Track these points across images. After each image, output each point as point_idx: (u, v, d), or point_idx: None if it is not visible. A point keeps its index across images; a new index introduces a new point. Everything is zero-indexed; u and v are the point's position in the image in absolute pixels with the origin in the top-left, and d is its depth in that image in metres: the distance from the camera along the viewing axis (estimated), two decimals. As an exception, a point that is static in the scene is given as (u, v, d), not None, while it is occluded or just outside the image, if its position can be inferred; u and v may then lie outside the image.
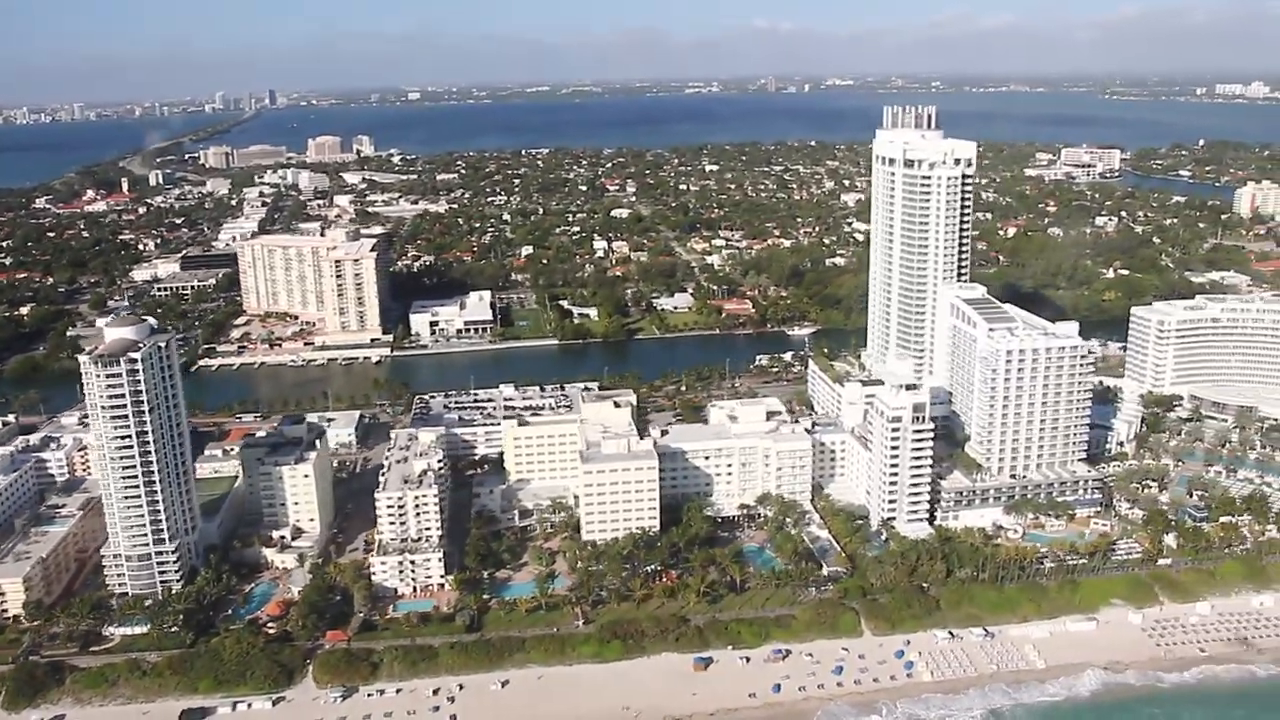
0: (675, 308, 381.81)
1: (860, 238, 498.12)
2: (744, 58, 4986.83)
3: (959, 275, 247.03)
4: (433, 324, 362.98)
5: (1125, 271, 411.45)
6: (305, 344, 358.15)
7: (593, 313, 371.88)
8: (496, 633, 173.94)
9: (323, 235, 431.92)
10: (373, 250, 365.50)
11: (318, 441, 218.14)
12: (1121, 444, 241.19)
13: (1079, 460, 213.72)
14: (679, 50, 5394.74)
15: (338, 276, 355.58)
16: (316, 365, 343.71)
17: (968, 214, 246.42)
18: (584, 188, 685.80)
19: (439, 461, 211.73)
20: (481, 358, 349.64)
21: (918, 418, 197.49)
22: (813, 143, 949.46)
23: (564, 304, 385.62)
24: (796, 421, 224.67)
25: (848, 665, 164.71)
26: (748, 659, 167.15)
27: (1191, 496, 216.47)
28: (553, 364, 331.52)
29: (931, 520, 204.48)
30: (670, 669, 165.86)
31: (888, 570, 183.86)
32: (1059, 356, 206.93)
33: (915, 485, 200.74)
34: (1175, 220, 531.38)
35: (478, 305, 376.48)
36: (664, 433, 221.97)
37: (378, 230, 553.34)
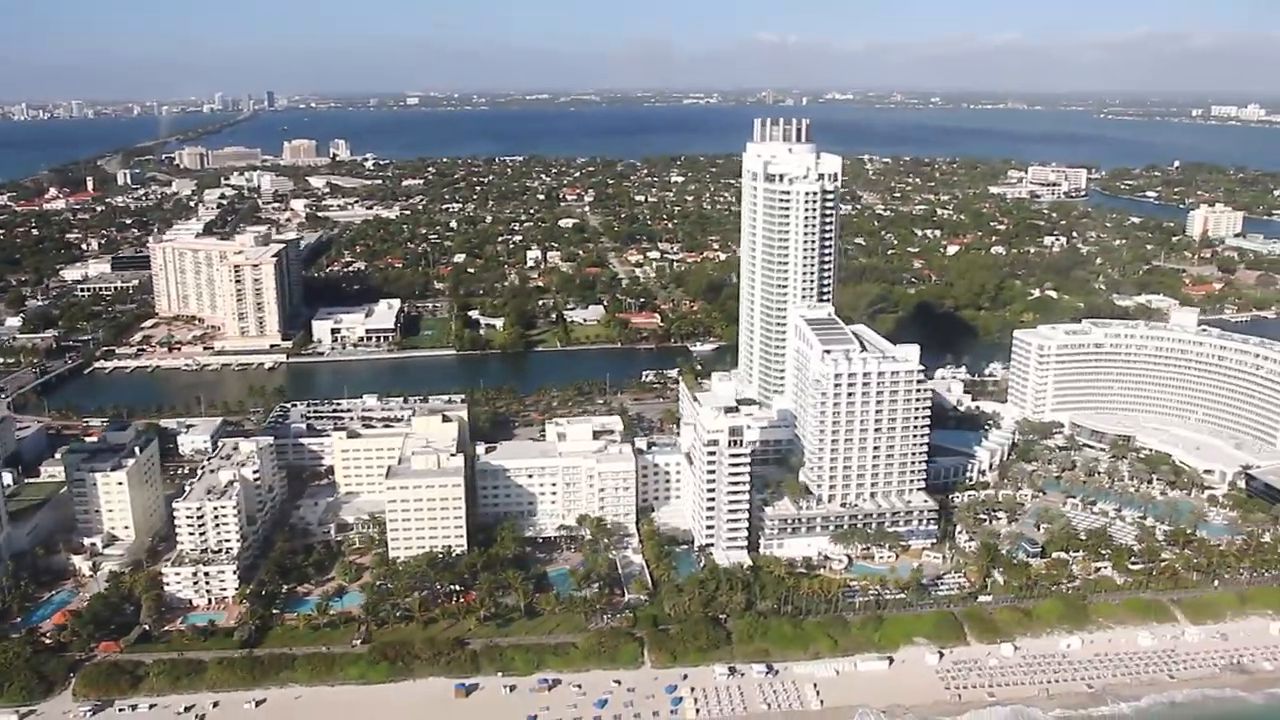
0: (585, 320, 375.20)
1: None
2: (750, 71, 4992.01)
3: (820, 294, 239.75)
4: (334, 331, 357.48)
5: (1053, 293, 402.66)
6: (205, 349, 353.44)
7: (499, 323, 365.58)
8: (269, 650, 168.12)
9: (266, 238, 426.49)
10: (274, 256, 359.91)
11: (139, 449, 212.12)
12: (984, 472, 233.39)
13: (917, 489, 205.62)
14: (685, 62, 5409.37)
15: (236, 281, 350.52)
16: (210, 370, 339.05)
17: (830, 230, 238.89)
18: (542, 197, 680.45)
19: (254, 472, 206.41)
20: (379, 366, 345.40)
21: (734, 441, 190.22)
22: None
23: (474, 314, 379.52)
24: (629, 441, 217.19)
25: (613, 699, 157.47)
26: (513, 687, 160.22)
27: (1039, 530, 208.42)
28: (447, 374, 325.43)
29: (755, 548, 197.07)
30: (432, 694, 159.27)
31: (683, 600, 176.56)
32: (893, 381, 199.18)
33: (733, 511, 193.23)
34: (1124, 241, 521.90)
35: (384, 313, 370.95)
36: (490, 449, 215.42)
37: (320, 234, 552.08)
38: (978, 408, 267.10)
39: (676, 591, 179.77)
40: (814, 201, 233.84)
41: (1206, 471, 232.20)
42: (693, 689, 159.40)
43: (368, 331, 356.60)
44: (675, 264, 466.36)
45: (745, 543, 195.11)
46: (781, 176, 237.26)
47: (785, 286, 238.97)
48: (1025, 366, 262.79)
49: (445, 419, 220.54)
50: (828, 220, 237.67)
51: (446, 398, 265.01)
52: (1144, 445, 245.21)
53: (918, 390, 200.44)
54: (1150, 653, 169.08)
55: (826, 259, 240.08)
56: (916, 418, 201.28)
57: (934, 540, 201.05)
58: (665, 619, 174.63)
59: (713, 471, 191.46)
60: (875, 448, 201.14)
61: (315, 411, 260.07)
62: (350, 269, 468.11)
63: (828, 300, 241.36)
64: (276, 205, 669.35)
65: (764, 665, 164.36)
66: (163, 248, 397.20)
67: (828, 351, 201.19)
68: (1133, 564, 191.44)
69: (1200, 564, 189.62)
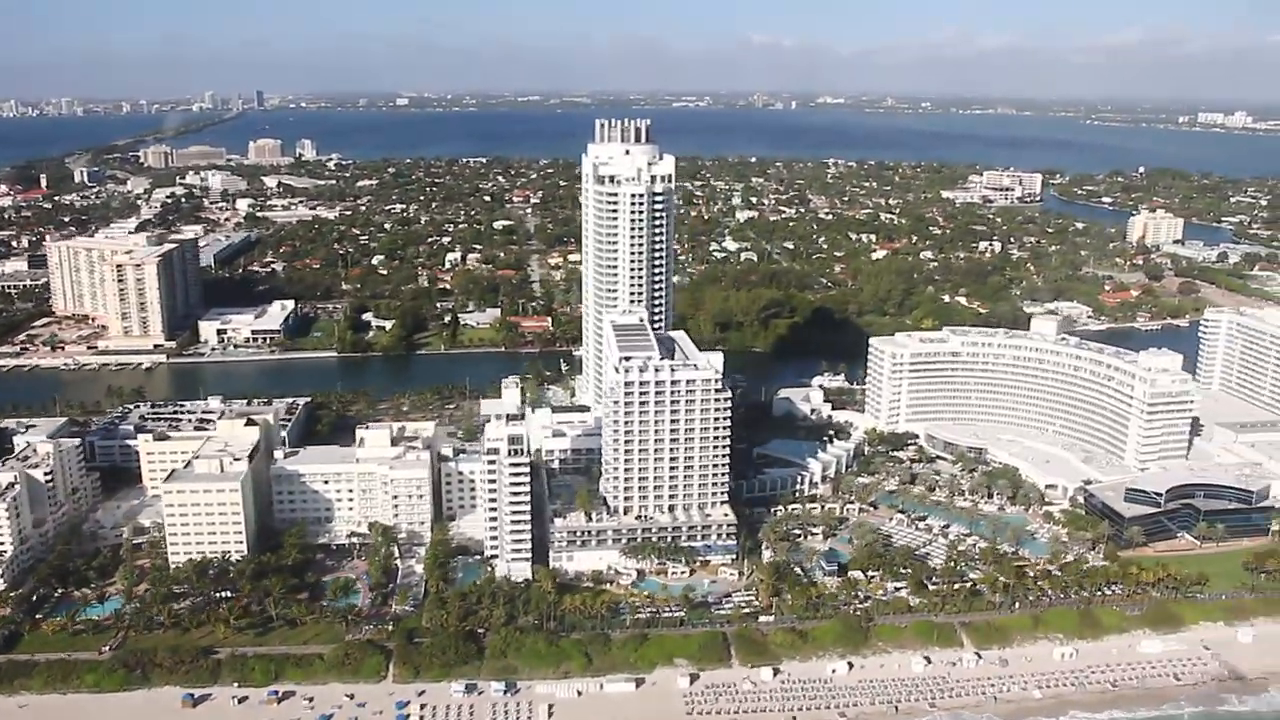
0: (480, 323, 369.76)
1: (720, 255, 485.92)
2: (744, 73, 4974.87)
3: (652, 299, 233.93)
4: (220, 332, 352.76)
5: (963, 299, 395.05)
6: (89, 348, 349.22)
7: (390, 325, 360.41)
8: (12, 656, 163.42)
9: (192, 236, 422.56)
10: (160, 257, 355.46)
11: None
12: (816, 484, 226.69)
13: (720, 502, 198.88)
14: (678, 64, 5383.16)
15: (119, 281, 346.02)
16: (89, 369, 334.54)
17: (660, 233, 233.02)
18: (488, 199, 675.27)
19: (47, 474, 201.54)
20: (262, 367, 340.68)
21: (514, 450, 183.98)
22: (753, 159, 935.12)
23: (367, 316, 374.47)
24: (431, 448, 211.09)
25: (340, 714, 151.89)
26: (244, 699, 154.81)
27: (853, 545, 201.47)
28: (326, 376, 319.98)
29: (545, 560, 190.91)
30: (161, 705, 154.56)
31: (441, 612, 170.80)
32: (689, 390, 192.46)
33: (515, 521, 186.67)
34: (1058, 247, 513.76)
35: (275, 315, 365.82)
36: (290, 454, 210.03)
37: (250, 233, 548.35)
38: (829, 417, 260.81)
39: (440, 604, 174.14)
40: (640, 203, 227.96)
41: (1049, 487, 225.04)
42: (423, 706, 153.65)
43: (253, 332, 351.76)
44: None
45: (529, 554, 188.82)
46: (612, 178, 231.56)
47: (615, 291, 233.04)
48: (880, 375, 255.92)
49: (250, 422, 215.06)
50: (657, 223, 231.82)
51: (291, 400, 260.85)
52: (994, 458, 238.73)
53: (716, 400, 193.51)
54: (919, 680, 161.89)
55: (658, 262, 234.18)
56: (716, 428, 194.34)
57: (734, 555, 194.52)
58: (422, 631, 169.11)
59: (494, 481, 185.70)
60: (673, 459, 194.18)
61: (155, 413, 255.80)
62: (268, 269, 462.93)
63: (661, 304, 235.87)
64: (223, 205, 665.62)
65: (504, 683, 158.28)
66: (58, 247, 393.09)
67: (625, 358, 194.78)
68: (934, 583, 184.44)
69: (1002, 585, 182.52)
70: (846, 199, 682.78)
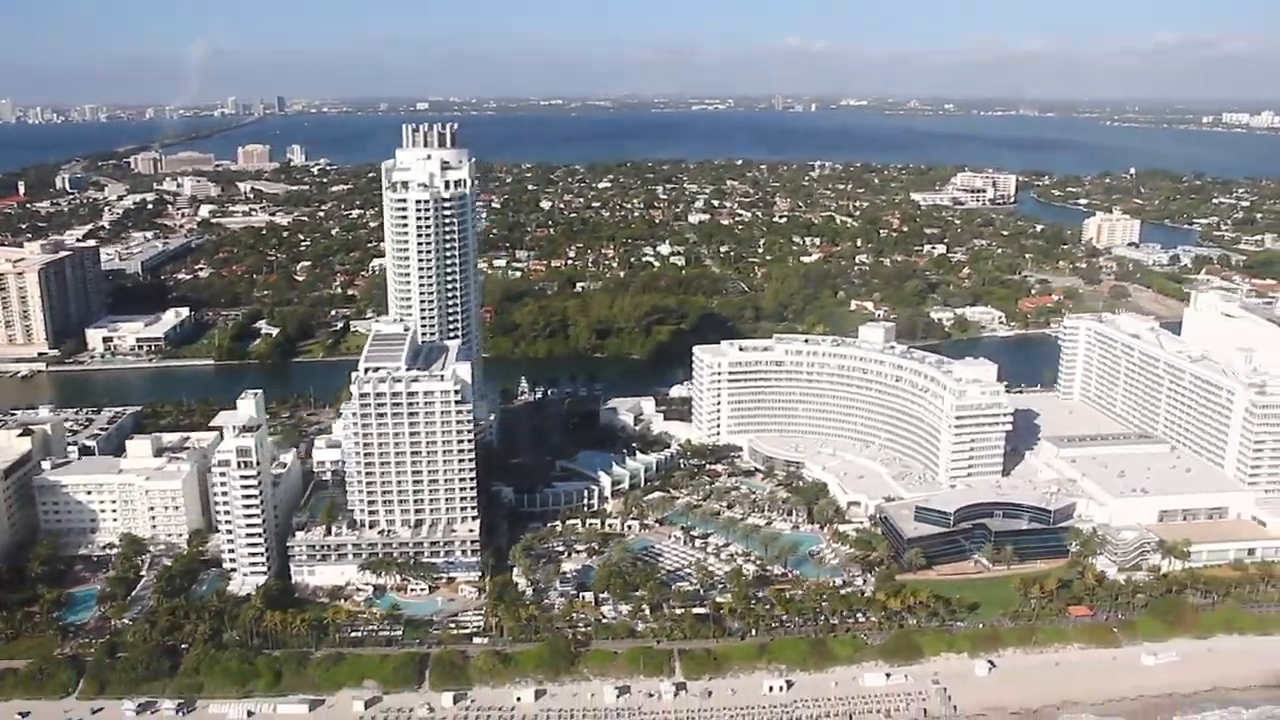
0: (370, 330, 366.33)
1: (650, 259, 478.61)
2: (770, 76, 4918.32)
3: (446, 309, 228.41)
4: (106, 340, 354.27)
5: (869, 305, 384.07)
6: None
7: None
8: None
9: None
10: (46, 264, 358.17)
11: None
12: (605, 499, 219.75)
13: (470, 518, 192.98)
14: (708, 68, 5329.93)
15: (1, 289, 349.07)
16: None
17: (451, 241, 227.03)
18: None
19: None
20: (144, 375, 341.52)
21: (244, 463, 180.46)
22: (739, 161, 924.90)
23: (260, 323, 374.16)
24: (205, 458, 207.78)
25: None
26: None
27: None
28: (204, 384, 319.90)
29: (286, 574, 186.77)
30: None
31: (144, 626, 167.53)
32: (428, 402, 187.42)
33: (249, 534, 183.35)
34: (1005, 250, 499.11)
35: (167, 322, 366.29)
36: (58, 465, 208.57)
37: (191, 239, 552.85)
38: (649, 429, 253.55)
39: (147, 618, 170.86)
40: (426, 209, 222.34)
41: (853, 504, 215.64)
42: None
43: (139, 340, 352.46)
44: (519, 273, 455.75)
45: (267, 567, 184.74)
46: (405, 184, 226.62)
47: (408, 300, 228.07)
48: (702, 385, 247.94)
49: (28, 431, 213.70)
50: (449, 230, 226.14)
51: (116, 410, 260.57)
52: (809, 473, 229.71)
53: (457, 412, 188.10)
54: (607, 711, 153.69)
55: (450, 270, 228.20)
56: (459, 442, 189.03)
57: (480, 573, 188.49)
58: (125, 646, 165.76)
59: (227, 494, 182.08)
60: (415, 472, 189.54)
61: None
62: (193, 275, 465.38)
63: (457, 314, 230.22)
64: (187, 211, 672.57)
65: (178, 702, 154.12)
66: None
67: (367, 370, 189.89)
68: (670, 607, 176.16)
69: (740, 611, 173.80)
70: (812, 201, 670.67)
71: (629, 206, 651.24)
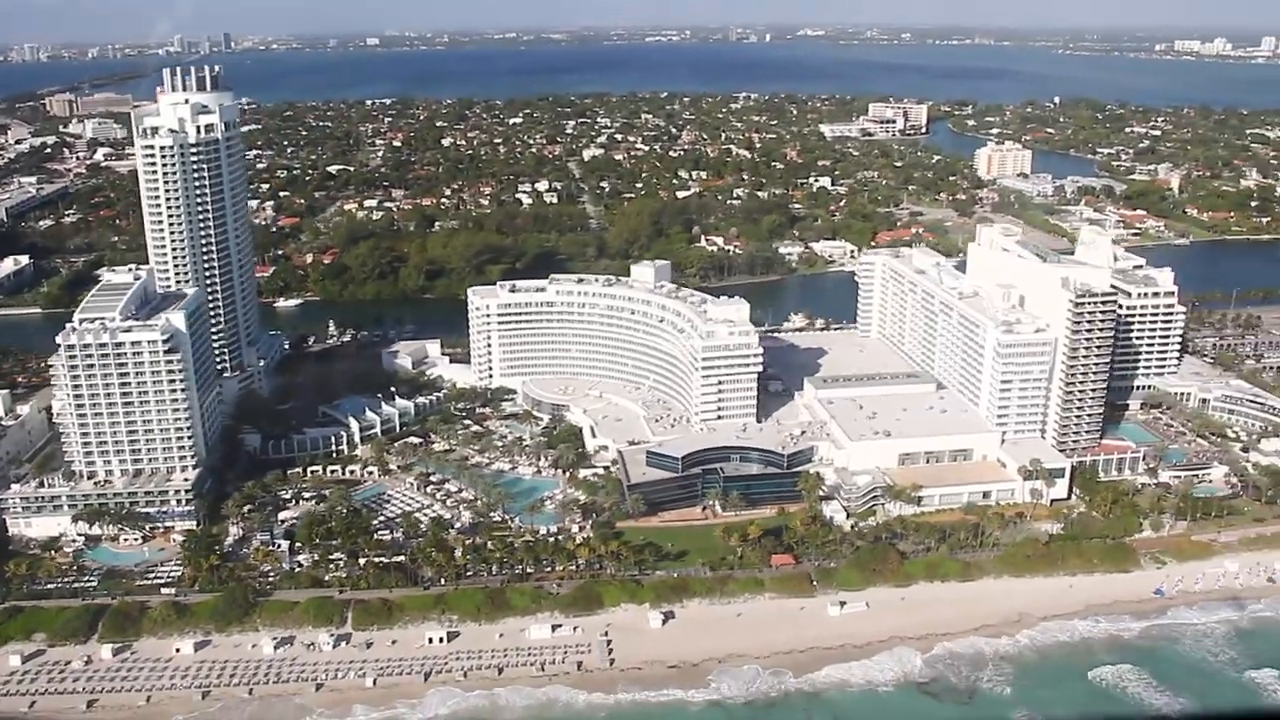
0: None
1: (524, 200, 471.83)
2: (735, 6, 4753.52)
3: (201, 257, 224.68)
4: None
5: (719, 240, 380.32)
6: None
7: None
8: None
9: None
10: None
11: None
12: (355, 445, 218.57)
13: (190, 466, 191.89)
14: None
15: None
16: None
17: (203, 188, 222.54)
18: (350, 141, 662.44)
19: None
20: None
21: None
22: (663, 94, 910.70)
23: (101, 270, 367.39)
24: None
25: None
26: None
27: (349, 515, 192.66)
28: (24, 333, 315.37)
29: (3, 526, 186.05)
30: None
31: None
32: (135, 352, 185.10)
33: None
34: (891, 182, 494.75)
35: (4, 269, 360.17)
36: None
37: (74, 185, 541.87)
38: (425, 373, 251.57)
39: None
40: (172, 155, 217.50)
41: (602, 449, 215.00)
42: None
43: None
44: (389, 212, 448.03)
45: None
46: (155, 130, 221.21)
47: (163, 247, 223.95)
48: (475, 328, 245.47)
49: None
50: (196, 175, 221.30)
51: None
52: (572, 417, 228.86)
53: (168, 361, 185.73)
54: (264, 661, 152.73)
55: (202, 217, 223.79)
56: (171, 390, 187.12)
57: (196, 523, 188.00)
58: None
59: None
60: (129, 421, 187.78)
61: None
62: (58, 222, 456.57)
63: (212, 263, 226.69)
64: (84, 155, 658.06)
65: None
66: None
67: (83, 320, 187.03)
68: (377, 559, 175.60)
69: (434, 560, 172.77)
70: (718, 134, 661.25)
71: (530, 142, 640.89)
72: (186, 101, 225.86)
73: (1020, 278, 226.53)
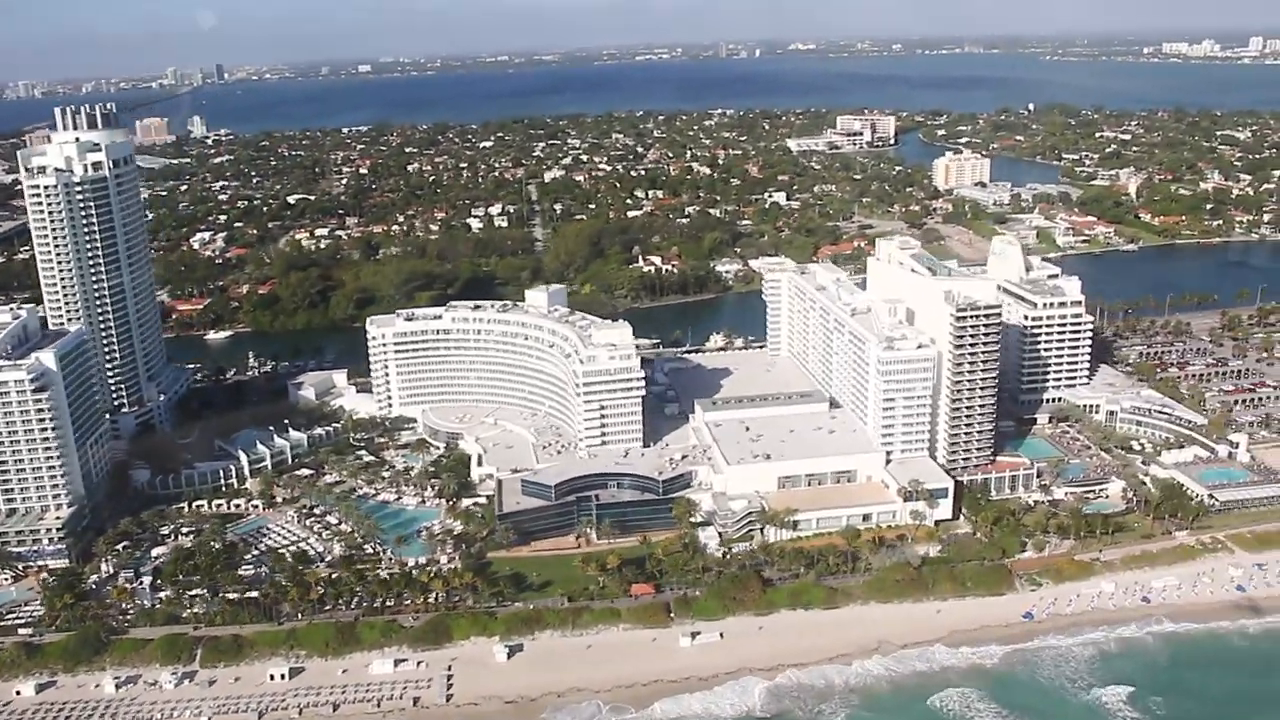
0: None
1: (475, 224, 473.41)
2: (724, 23, 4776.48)
3: (93, 297, 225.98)
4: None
5: (658, 260, 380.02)
6: None
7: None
8: None
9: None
10: None
11: None
12: (247, 479, 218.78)
13: (66, 505, 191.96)
14: (659, 13, 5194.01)
15: None
16: None
17: (90, 224, 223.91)
18: (316, 170, 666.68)
19: None
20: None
21: None
22: (639, 113, 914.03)
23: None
24: None
25: None
26: None
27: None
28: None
29: None
30: None
31: None
32: (2, 391, 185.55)
33: None
34: (846, 195, 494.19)
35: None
36: None
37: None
38: (327, 404, 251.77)
39: None
40: (55, 195, 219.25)
41: (489, 476, 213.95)
42: None
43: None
44: (336, 240, 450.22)
45: None
46: (42, 169, 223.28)
47: (54, 286, 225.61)
48: (374, 357, 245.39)
49: None
50: (84, 213, 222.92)
51: None
52: (465, 445, 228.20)
53: (36, 400, 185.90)
54: (105, 701, 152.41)
55: (92, 254, 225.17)
56: (41, 428, 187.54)
57: (71, 560, 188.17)
58: None
59: None
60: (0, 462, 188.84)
61: None
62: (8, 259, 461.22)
63: (105, 302, 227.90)
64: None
65: None
66: None
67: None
68: (234, 594, 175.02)
69: (293, 595, 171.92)
70: (684, 152, 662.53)
71: (495, 166, 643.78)
72: (77, 140, 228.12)
73: (912, 292, 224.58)
